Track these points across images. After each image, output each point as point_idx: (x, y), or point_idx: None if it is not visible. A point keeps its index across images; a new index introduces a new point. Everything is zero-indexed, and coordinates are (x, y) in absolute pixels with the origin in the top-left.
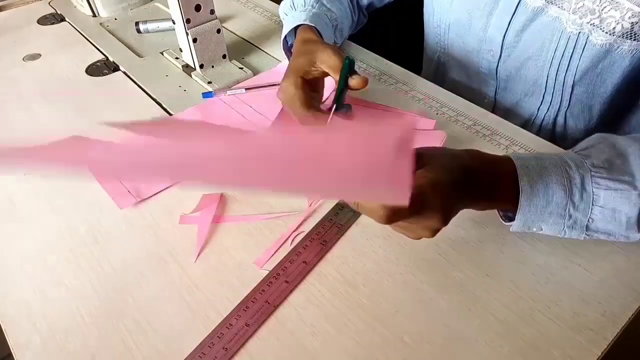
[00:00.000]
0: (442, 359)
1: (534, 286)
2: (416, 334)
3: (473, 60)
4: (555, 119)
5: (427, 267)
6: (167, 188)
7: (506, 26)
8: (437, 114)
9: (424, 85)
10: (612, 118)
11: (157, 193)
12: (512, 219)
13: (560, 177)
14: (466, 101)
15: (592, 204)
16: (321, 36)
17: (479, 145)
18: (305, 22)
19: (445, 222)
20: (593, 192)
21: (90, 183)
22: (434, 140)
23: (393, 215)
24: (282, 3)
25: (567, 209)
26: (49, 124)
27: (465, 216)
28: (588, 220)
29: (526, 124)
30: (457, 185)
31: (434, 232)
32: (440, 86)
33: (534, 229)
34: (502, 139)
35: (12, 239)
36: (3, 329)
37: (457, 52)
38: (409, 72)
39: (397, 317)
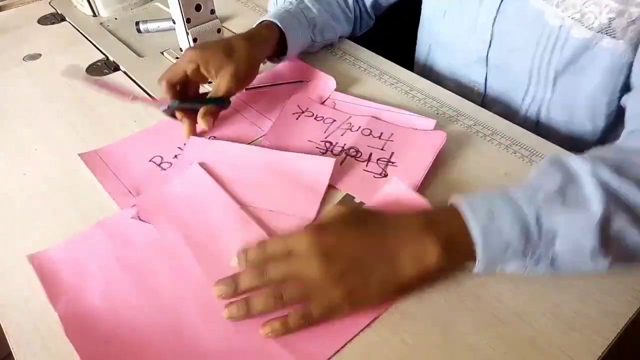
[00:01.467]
0: (442, 359)
1: (533, 286)
2: (416, 334)
3: (464, 48)
4: (538, 111)
5: None
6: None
7: (495, 14)
8: (437, 114)
9: (424, 85)
10: (595, 118)
11: None
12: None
13: (512, 217)
14: (466, 101)
15: (553, 238)
16: (282, 33)
17: (479, 145)
18: (267, 19)
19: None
20: (550, 226)
21: (90, 183)
22: (434, 140)
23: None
24: (269, 2)
25: (527, 249)
26: (49, 124)
27: None
28: (552, 256)
29: (514, 114)
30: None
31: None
32: (429, 76)
33: (498, 270)
34: (503, 139)
35: (12, 238)
36: (3, 329)
37: (450, 39)
38: (409, 72)
39: (397, 317)
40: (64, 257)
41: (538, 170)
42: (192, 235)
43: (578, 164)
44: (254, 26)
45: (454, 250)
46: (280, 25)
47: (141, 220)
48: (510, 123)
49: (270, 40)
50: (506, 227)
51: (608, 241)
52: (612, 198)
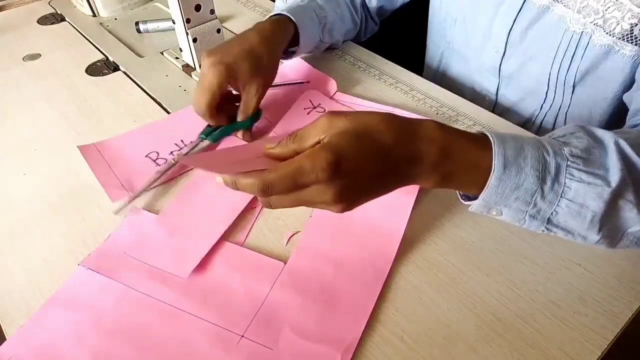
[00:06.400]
0: (442, 359)
1: (534, 286)
2: (416, 334)
3: (476, 57)
4: (555, 119)
5: (427, 267)
6: (159, 185)
7: (511, 23)
8: (437, 114)
9: (424, 85)
10: (614, 126)
11: (151, 189)
12: (470, 198)
13: (536, 161)
14: (466, 101)
15: (561, 196)
16: (296, 29)
17: None
18: (282, 13)
19: (339, 203)
20: (565, 183)
21: (90, 182)
22: None
23: (267, 188)
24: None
25: (535, 197)
26: (49, 124)
27: (465, 216)
28: (551, 213)
29: (526, 123)
30: (365, 169)
31: (338, 210)
32: (441, 82)
33: (494, 213)
34: None
35: (12, 238)
36: (3, 329)
37: (461, 47)
38: (409, 72)
39: (397, 317)
40: (24, 351)
41: (563, 131)
42: (167, 278)
43: (603, 133)
44: (267, 19)
45: (458, 181)
46: (295, 22)
47: (102, 275)
48: (510, 123)
49: (286, 38)
50: (526, 168)
51: (610, 211)
52: (629, 171)
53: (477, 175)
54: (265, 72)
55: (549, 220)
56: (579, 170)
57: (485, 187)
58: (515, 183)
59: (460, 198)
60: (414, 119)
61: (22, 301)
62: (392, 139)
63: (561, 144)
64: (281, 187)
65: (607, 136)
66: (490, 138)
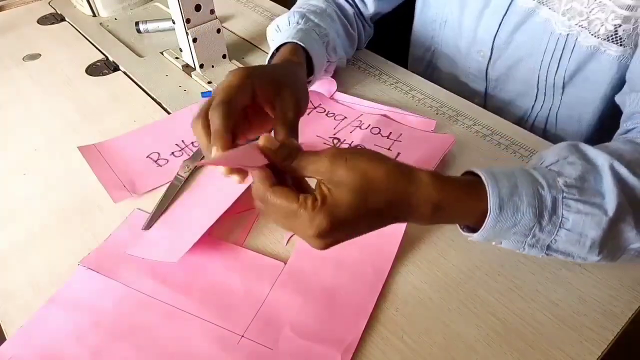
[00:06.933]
0: (442, 359)
1: (534, 286)
2: (416, 334)
3: (463, 61)
4: (546, 120)
5: (427, 267)
6: (161, 186)
7: (497, 28)
8: (437, 114)
9: (424, 85)
10: (602, 130)
11: (151, 190)
12: (469, 227)
13: (532, 198)
14: (466, 101)
15: (559, 227)
16: (308, 55)
17: (479, 145)
18: (289, 40)
19: (321, 249)
20: (562, 215)
21: (90, 182)
22: (442, 143)
23: (260, 200)
24: (268, 29)
25: (533, 230)
26: (49, 124)
27: None
28: (550, 241)
29: (518, 123)
30: (356, 227)
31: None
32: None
33: (493, 243)
34: (502, 139)
35: (13, 238)
36: (3, 329)
37: (449, 50)
38: (409, 72)
39: (397, 317)
40: (24, 352)
41: (556, 155)
42: (167, 277)
43: (597, 155)
44: (274, 52)
45: (453, 223)
46: (305, 47)
47: (101, 274)
48: (510, 123)
49: (303, 64)
50: (522, 206)
51: (610, 235)
52: (626, 195)
53: (473, 218)
54: (298, 87)
55: (548, 247)
56: (575, 200)
57: (482, 227)
58: (512, 222)
59: (459, 228)
60: (413, 174)
61: (22, 301)
62: (390, 200)
63: (555, 174)
64: (270, 211)
65: (601, 158)
66: (484, 179)
